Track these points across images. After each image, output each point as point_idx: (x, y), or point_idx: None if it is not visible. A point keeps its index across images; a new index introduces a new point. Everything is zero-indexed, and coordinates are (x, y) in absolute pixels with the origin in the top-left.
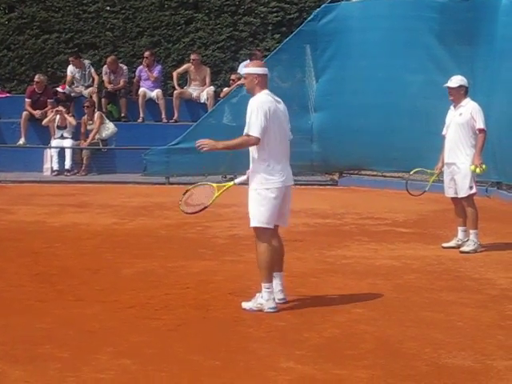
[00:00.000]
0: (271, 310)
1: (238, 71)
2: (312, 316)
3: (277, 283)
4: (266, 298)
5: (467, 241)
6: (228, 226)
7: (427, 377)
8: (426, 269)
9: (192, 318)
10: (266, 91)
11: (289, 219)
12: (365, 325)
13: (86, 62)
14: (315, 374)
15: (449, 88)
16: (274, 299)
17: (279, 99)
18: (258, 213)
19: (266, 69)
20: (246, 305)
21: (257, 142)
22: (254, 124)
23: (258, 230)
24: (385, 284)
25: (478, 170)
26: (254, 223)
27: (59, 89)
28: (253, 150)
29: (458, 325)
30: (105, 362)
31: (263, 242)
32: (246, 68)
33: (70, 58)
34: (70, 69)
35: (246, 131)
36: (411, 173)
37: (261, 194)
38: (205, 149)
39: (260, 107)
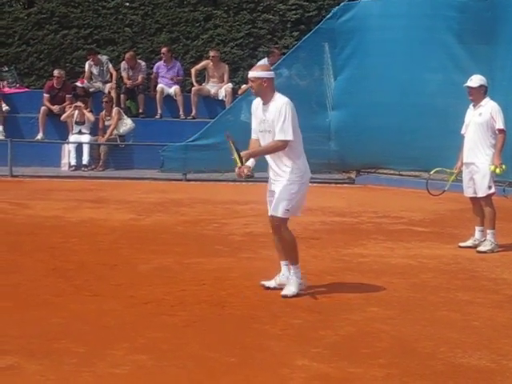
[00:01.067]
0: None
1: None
2: (328, 314)
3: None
4: (300, 276)
5: (484, 241)
6: (244, 223)
7: (443, 376)
8: (443, 268)
9: (208, 314)
10: (278, 93)
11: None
12: (381, 323)
13: (104, 57)
14: (330, 371)
15: (469, 88)
16: None
17: (278, 95)
18: (294, 203)
19: (273, 72)
20: (288, 292)
21: (287, 144)
22: (287, 128)
23: (285, 220)
24: (401, 283)
25: (497, 171)
26: (285, 214)
27: (78, 83)
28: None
29: (474, 324)
30: (120, 357)
31: (288, 228)
32: (255, 72)
33: (89, 56)
34: (88, 64)
35: (282, 136)
36: (432, 172)
37: (299, 186)
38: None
39: (290, 110)
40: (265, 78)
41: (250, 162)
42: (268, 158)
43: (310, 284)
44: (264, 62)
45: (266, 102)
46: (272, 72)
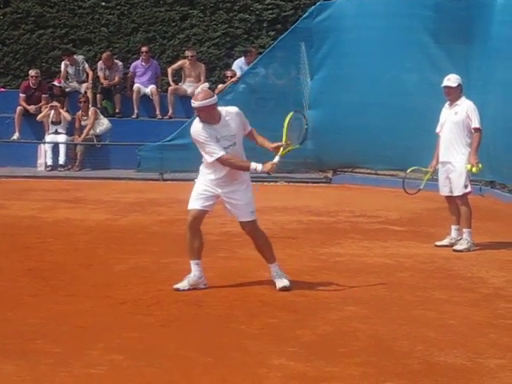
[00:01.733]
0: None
1: (233, 68)
2: (305, 313)
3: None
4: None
5: (460, 239)
6: (221, 223)
7: (419, 375)
8: (419, 267)
9: (184, 314)
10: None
11: None
12: (357, 322)
13: (80, 57)
14: (307, 371)
15: (448, 87)
16: None
17: (225, 110)
18: (254, 205)
19: (216, 96)
20: (281, 283)
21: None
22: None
23: (256, 221)
24: (378, 282)
25: (474, 170)
26: (254, 216)
27: (55, 82)
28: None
29: (450, 323)
30: (97, 357)
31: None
32: (202, 101)
33: (64, 56)
34: (64, 64)
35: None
36: (408, 171)
37: (251, 187)
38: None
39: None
40: (212, 105)
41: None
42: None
43: None
44: (241, 60)
45: (216, 121)
46: (215, 96)
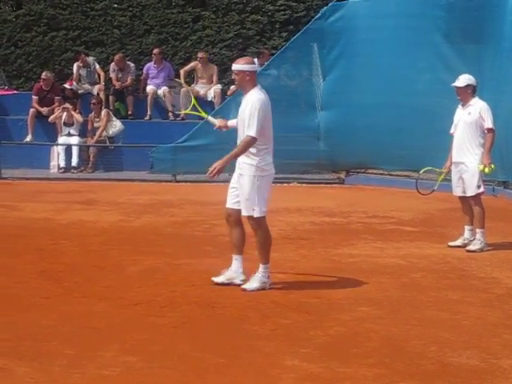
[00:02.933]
0: (269, 287)
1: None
2: (317, 314)
3: (239, 266)
4: (267, 276)
5: (473, 240)
6: None
7: (432, 375)
8: (432, 267)
9: (197, 315)
10: (258, 87)
11: None
12: (370, 323)
13: (91, 59)
14: (320, 372)
15: (456, 87)
16: None
17: (257, 92)
18: (262, 202)
19: (256, 65)
20: (249, 286)
21: (255, 141)
22: (252, 124)
23: (260, 219)
24: (390, 282)
25: (486, 170)
26: (255, 213)
27: (67, 85)
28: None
29: (463, 323)
30: (110, 358)
31: (265, 227)
32: (238, 64)
33: (78, 56)
34: (77, 66)
35: (247, 132)
36: (421, 172)
37: (261, 183)
38: (217, 174)
39: (258, 107)
40: (247, 72)
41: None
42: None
43: (299, 284)
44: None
45: (244, 93)
46: (255, 65)
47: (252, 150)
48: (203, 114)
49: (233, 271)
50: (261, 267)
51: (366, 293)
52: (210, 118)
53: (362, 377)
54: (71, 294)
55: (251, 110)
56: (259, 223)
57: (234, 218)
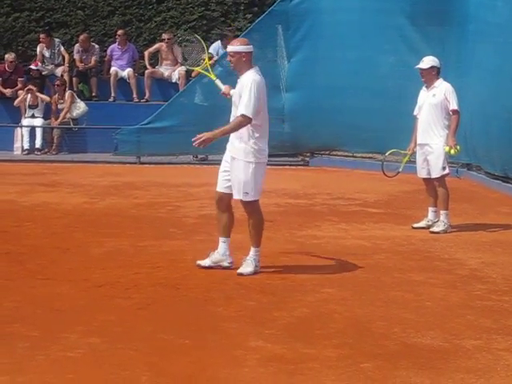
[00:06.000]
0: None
1: (210, 51)
2: (282, 295)
3: (227, 248)
4: (258, 259)
5: (437, 221)
6: (198, 206)
7: (396, 356)
8: (396, 249)
9: (162, 297)
10: (255, 69)
11: None
12: (334, 304)
13: (56, 40)
14: (284, 352)
15: (420, 69)
16: None
17: (252, 73)
18: (256, 186)
19: (251, 46)
20: (244, 270)
21: (250, 121)
22: (248, 105)
23: (254, 202)
24: (355, 264)
25: (452, 151)
26: (247, 197)
27: (32, 66)
28: (245, 127)
29: (427, 305)
30: (74, 340)
31: (259, 210)
32: (233, 46)
33: (42, 35)
34: (40, 47)
35: (240, 111)
36: (387, 154)
37: (256, 167)
38: (203, 144)
39: (253, 87)
40: (243, 53)
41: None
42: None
43: (264, 266)
44: (218, 44)
45: (240, 75)
46: (250, 46)
47: (247, 133)
48: (213, 76)
49: (220, 254)
50: (252, 250)
51: (331, 274)
52: (218, 82)
53: (326, 357)
54: (35, 275)
55: (245, 91)
56: (253, 207)
57: (225, 202)
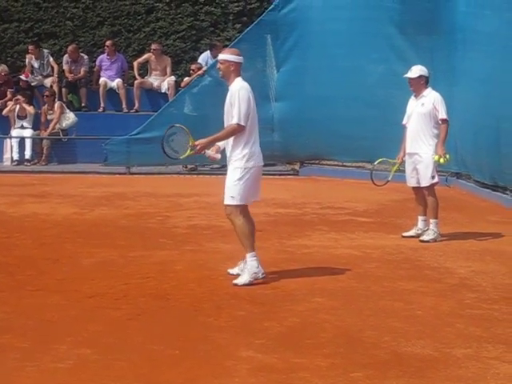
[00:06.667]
0: (264, 276)
1: (199, 61)
2: (272, 305)
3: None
4: (256, 265)
5: (427, 230)
6: (188, 216)
7: (386, 365)
8: (386, 258)
9: (152, 307)
10: (240, 78)
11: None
12: (325, 314)
13: (45, 51)
14: (275, 362)
15: (409, 78)
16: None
17: (239, 83)
18: (241, 192)
19: (242, 57)
20: (240, 281)
21: (243, 129)
22: (238, 113)
23: (236, 208)
24: (345, 273)
25: (441, 160)
26: (230, 201)
27: (22, 76)
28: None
29: (417, 313)
30: (64, 351)
31: (239, 216)
32: (224, 55)
33: (30, 47)
34: (29, 58)
35: (234, 120)
36: (376, 163)
37: (242, 173)
38: (199, 152)
39: (241, 94)
40: (232, 62)
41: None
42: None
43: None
44: (207, 54)
45: (228, 84)
46: (240, 57)
47: (236, 139)
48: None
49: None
50: (247, 257)
51: (321, 284)
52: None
53: (316, 367)
54: (24, 287)
55: (234, 99)
56: (235, 213)
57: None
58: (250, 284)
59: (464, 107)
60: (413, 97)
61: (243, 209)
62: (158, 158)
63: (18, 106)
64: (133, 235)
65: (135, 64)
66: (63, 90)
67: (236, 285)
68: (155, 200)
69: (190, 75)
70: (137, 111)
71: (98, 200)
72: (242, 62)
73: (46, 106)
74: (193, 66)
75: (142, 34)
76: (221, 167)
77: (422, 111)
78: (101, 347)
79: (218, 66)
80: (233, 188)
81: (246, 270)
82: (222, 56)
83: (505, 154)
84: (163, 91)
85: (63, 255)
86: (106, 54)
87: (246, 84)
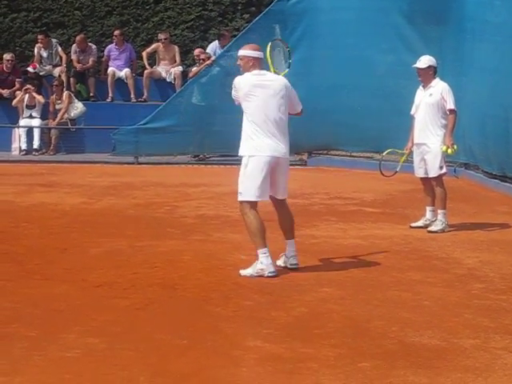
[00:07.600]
0: (271, 275)
1: (207, 51)
2: (280, 295)
3: (290, 249)
4: (265, 263)
5: (435, 220)
6: (196, 206)
7: (394, 355)
8: (394, 248)
9: (160, 297)
10: (253, 72)
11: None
12: (332, 304)
13: (54, 40)
14: (282, 352)
15: (418, 69)
16: (272, 264)
17: (273, 77)
18: (249, 186)
19: (262, 53)
20: (244, 272)
21: None
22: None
23: (244, 204)
24: (353, 263)
25: (449, 151)
26: (239, 197)
27: (30, 68)
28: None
29: (424, 304)
30: (72, 340)
31: (248, 213)
32: (243, 50)
33: (40, 37)
34: (37, 48)
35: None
36: (384, 154)
37: (244, 164)
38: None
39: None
40: (251, 57)
41: None
42: None
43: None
44: (215, 44)
45: None
46: (259, 52)
47: (243, 130)
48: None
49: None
50: (257, 253)
51: (328, 274)
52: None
53: (324, 357)
54: (32, 276)
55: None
56: (243, 210)
57: (274, 203)
58: (249, 276)
59: (472, 97)
60: (421, 87)
61: (252, 205)
62: (166, 147)
63: (27, 96)
64: (141, 225)
65: (144, 54)
66: (71, 79)
67: (240, 275)
68: (163, 190)
69: (195, 63)
70: (145, 101)
71: (106, 190)
72: (262, 58)
73: (54, 95)
74: (202, 56)
75: (151, 23)
76: (228, 157)
77: (430, 101)
78: (108, 336)
79: (238, 62)
80: (239, 183)
81: (254, 264)
82: (241, 52)
83: None
84: (169, 81)
85: (71, 245)
86: (114, 44)
87: (248, 76)
